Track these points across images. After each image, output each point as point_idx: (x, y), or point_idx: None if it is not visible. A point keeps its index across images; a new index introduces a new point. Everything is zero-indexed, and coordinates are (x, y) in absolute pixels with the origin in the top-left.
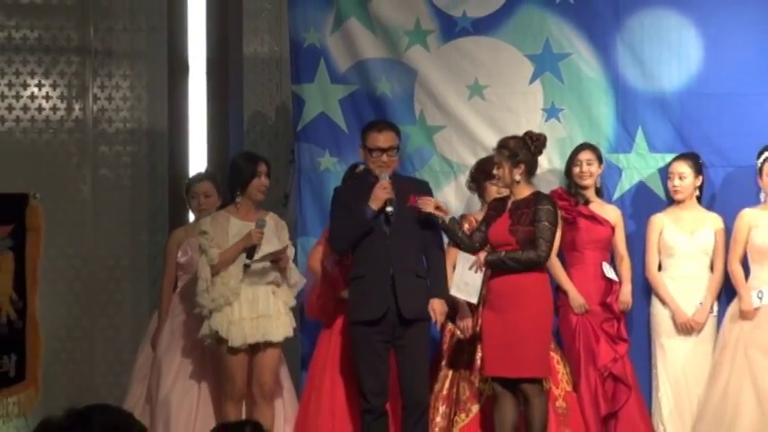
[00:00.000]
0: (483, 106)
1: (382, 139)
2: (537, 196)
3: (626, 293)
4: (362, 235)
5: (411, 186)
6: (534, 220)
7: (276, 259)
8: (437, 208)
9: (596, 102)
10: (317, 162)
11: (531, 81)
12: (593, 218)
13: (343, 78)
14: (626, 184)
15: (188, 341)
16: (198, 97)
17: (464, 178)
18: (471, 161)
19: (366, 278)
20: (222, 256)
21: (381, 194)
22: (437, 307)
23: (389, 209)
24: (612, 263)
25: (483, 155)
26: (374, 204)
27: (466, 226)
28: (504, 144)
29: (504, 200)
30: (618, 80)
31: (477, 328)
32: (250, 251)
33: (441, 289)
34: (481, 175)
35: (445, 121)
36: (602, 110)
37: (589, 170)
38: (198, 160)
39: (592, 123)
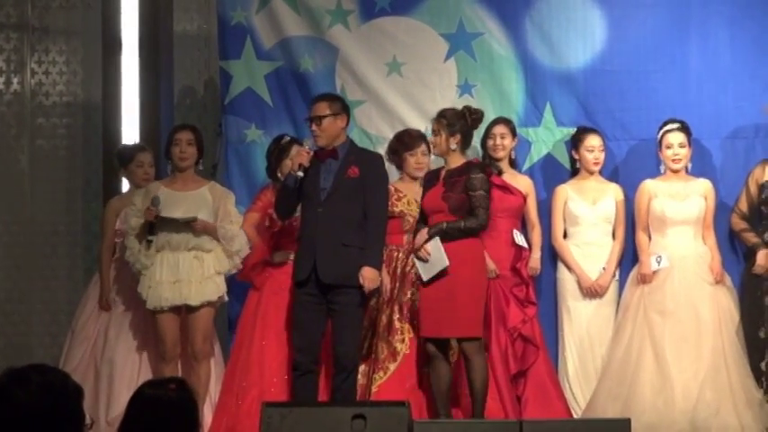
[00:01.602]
0: (400, 82)
1: (312, 109)
2: (469, 165)
3: (535, 260)
4: (288, 200)
5: (363, 158)
6: (468, 189)
7: (192, 228)
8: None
9: (507, 78)
10: (243, 134)
11: (446, 59)
12: (506, 188)
13: (268, 55)
14: (535, 156)
15: (132, 304)
16: (130, 72)
17: (383, 150)
18: (389, 134)
19: (301, 241)
20: (141, 227)
21: (295, 160)
22: (367, 274)
23: (299, 174)
24: (525, 230)
25: (400, 128)
26: (291, 170)
27: None
28: (442, 113)
29: (437, 171)
30: (527, 58)
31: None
32: (150, 227)
33: (373, 258)
34: (401, 146)
35: (365, 96)
36: (513, 86)
37: (502, 143)
38: (130, 132)
39: (503, 99)
